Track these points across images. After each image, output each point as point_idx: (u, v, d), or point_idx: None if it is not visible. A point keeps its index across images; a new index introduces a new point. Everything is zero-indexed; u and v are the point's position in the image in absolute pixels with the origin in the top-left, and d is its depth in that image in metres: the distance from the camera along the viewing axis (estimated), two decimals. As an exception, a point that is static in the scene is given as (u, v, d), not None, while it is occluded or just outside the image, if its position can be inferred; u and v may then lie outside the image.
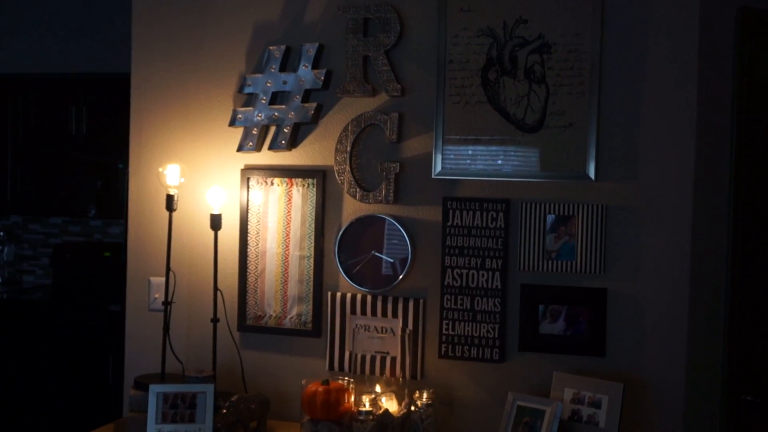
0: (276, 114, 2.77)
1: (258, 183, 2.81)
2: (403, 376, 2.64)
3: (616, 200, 2.52)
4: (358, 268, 2.72)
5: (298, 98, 2.75)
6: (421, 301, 2.66)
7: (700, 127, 2.47)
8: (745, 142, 2.58)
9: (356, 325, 2.72)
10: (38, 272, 5.12)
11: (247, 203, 2.82)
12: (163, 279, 2.80)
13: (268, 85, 2.78)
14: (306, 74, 2.74)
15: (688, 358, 2.48)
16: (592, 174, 2.52)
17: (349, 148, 2.71)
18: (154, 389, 2.55)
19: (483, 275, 2.61)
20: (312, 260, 2.76)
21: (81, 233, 5.03)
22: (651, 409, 2.50)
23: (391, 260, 2.69)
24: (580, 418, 2.42)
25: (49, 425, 4.29)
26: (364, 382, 2.63)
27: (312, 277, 2.76)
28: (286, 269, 2.80)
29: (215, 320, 2.77)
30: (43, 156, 4.73)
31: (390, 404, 2.54)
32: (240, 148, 2.80)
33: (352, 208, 2.74)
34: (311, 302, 2.77)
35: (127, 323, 2.99)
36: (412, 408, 2.54)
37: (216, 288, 2.77)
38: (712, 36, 2.50)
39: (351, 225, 2.72)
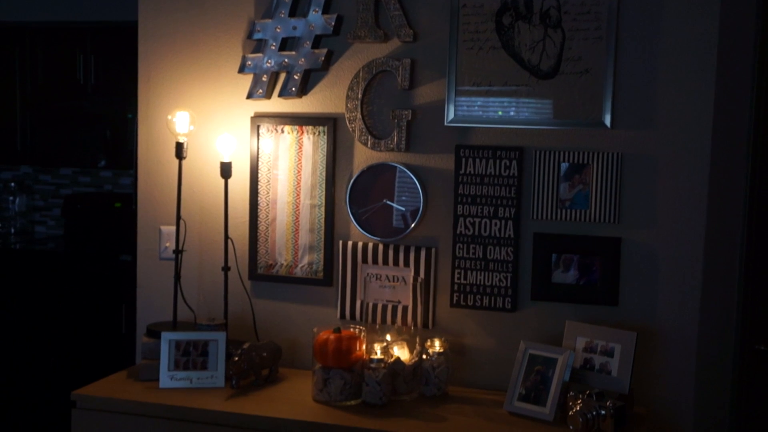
0: (286, 60, 2.73)
1: (268, 131, 2.78)
2: (415, 325, 2.63)
3: (632, 148, 2.48)
4: (369, 216, 2.70)
5: (308, 44, 2.70)
6: (433, 249, 2.65)
7: (720, 72, 2.41)
8: (767, 87, 2.52)
9: (368, 274, 2.71)
10: (50, 223, 5.13)
11: (258, 151, 2.79)
12: (174, 228, 2.79)
13: (278, 30, 2.73)
14: (316, 19, 2.68)
15: (702, 307, 2.47)
16: (607, 121, 2.47)
17: (360, 95, 2.67)
18: (167, 337, 2.56)
19: (495, 224, 2.59)
20: (323, 209, 2.74)
21: (91, 184, 5.02)
22: (664, 359, 2.49)
23: (403, 209, 2.67)
24: (593, 366, 2.41)
25: (62, 374, 4.33)
26: (375, 331, 2.63)
27: (323, 225, 2.75)
28: (297, 218, 2.78)
29: (226, 269, 2.77)
30: (51, 106, 4.69)
31: (401, 353, 2.54)
32: (250, 96, 2.76)
33: (363, 156, 2.71)
34: (322, 251, 2.76)
35: (139, 272, 2.99)
36: (424, 356, 2.54)
37: (227, 237, 2.76)
38: (734, -22, 2.43)
39: (362, 173, 2.69)
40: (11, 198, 5.04)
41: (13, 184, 5.06)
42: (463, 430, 2.27)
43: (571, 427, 2.24)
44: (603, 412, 2.21)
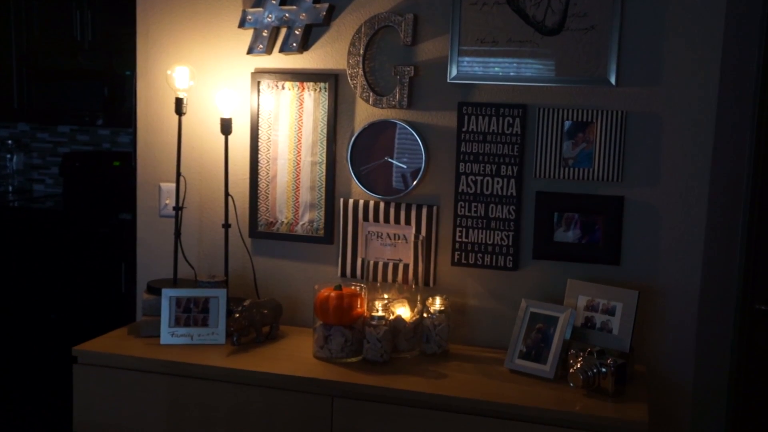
0: (287, 15, 2.68)
1: (269, 87, 2.75)
2: (416, 283, 2.63)
3: (636, 106, 2.46)
4: (370, 174, 2.68)
5: (309, -2, 2.66)
6: (435, 207, 2.63)
7: (727, 30, 2.38)
8: (773, 45, 2.49)
9: (369, 231, 2.70)
10: (48, 181, 5.10)
11: (258, 108, 2.76)
12: (174, 185, 2.77)
13: (279, -16, 2.68)
14: (318, -27, 2.64)
15: (703, 267, 2.46)
16: (612, 79, 2.44)
17: (362, 51, 2.63)
18: (167, 293, 2.56)
19: (498, 182, 2.57)
20: (324, 166, 2.72)
21: (90, 142, 4.99)
22: (665, 317, 2.49)
23: (404, 166, 2.65)
24: (594, 325, 2.41)
25: (62, 332, 4.35)
26: (376, 289, 2.62)
27: (324, 183, 2.73)
28: (297, 175, 2.76)
29: (227, 226, 2.75)
30: (48, 63, 4.64)
31: (402, 310, 2.54)
32: (250, 51, 2.73)
33: (365, 113, 2.68)
34: (323, 209, 2.74)
35: (138, 229, 2.98)
36: (425, 314, 2.54)
37: (227, 194, 2.74)
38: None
39: (364, 130, 2.67)
40: (9, 156, 5.01)
41: (10, 141, 5.02)
42: (463, 387, 2.27)
43: (571, 385, 2.25)
44: (604, 369, 2.22)
